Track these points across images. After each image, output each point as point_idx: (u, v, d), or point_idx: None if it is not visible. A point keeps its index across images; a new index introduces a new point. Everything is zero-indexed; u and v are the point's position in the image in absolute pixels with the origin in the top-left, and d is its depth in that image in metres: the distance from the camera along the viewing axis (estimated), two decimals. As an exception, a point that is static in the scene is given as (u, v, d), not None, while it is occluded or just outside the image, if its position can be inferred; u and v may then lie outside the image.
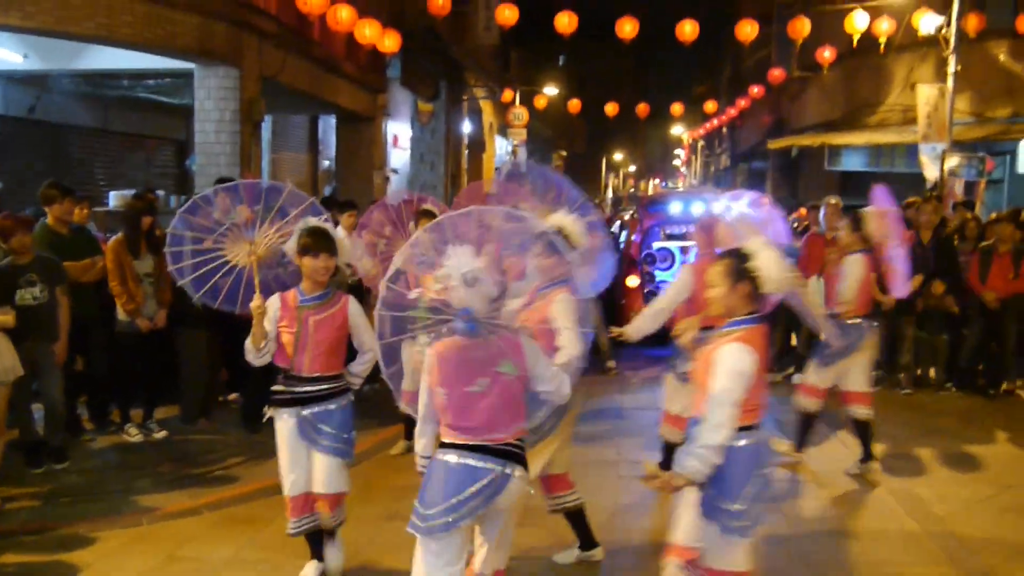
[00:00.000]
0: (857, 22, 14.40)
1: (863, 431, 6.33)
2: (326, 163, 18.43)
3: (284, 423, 4.26)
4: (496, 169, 28.77)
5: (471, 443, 3.34)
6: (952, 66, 13.85)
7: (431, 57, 19.21)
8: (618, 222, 14.99)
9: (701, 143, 43.67)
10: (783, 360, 9.44)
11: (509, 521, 3.55)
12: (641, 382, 9.40)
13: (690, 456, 3.33)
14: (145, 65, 10.99)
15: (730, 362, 3.37)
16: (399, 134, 19.02)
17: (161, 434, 6.91)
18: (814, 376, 6.43)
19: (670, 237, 11.24)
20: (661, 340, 11.13)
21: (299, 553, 4.49)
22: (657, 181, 50.31)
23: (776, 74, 20.57)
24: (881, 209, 6.19)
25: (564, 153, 42.83)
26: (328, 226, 4.28)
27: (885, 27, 14.91)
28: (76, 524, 5.18)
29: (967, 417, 7.96)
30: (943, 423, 7.72)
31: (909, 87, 17.66)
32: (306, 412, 4.23)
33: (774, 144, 21.68)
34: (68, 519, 5.27)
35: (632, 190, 51.85)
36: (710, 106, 28.13)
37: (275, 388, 4.29)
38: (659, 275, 11.12)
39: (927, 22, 14.38)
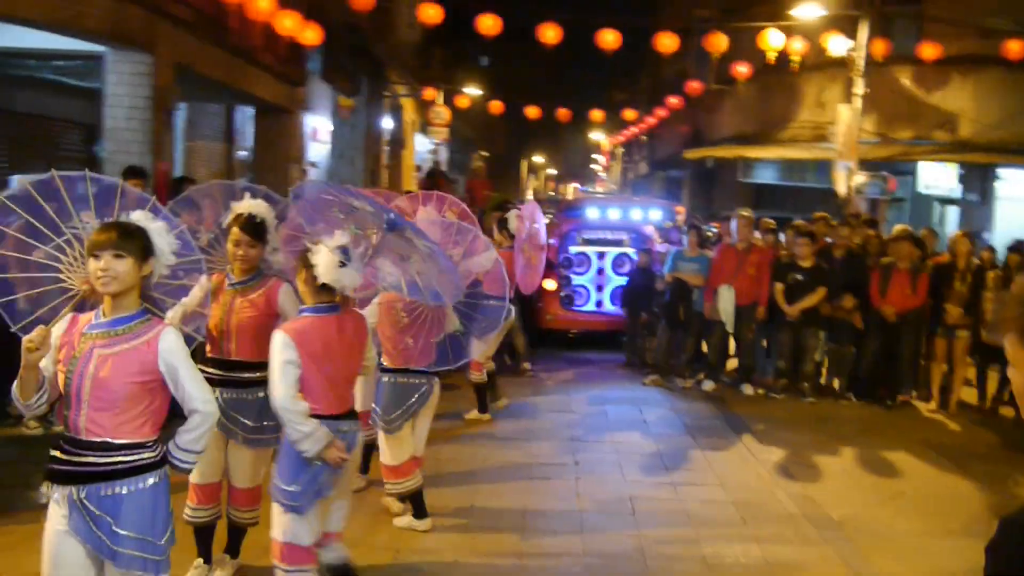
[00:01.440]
0: (771, 40, 14.84)
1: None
2: (242, 153, 18.05)
3: None
4: (416, 167, 28.66)
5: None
6: (859, 88, 14.42)
7: (352, 52, 19.02)
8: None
9: (620, 150, 44.30)
10: (694, 366, 9.67)
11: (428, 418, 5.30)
12: (556, 384, 9.50)
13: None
14: (53, 46, 10.59)
15: (273, 349, 3.62)
16: (319, 127, 18.78)
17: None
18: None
19: (587, 242, 11.39)
20: (579, 343, 11.37)
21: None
22: (576, 185, 50.80)
23: (694, 86, 21.02)
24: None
25: (485, 153, 42.90)
26: (145, 220, 3.08)
27: (798, 46, 15.42)
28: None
29: (866, 425, 8.30)
30: (843, 430, 8.03)
31: (819, 105, 18.32)
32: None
33: (690, 154, 22.19)
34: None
35: (552, 193, 52.26)
36: (629, 114, 28.56)
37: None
38: (575, 279, 11.26)
39: (837, 44, 14.98)
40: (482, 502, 5.73)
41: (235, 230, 4.12)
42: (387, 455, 5.14)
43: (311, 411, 3.62)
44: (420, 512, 5.20)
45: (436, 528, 5.23)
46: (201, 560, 4.35)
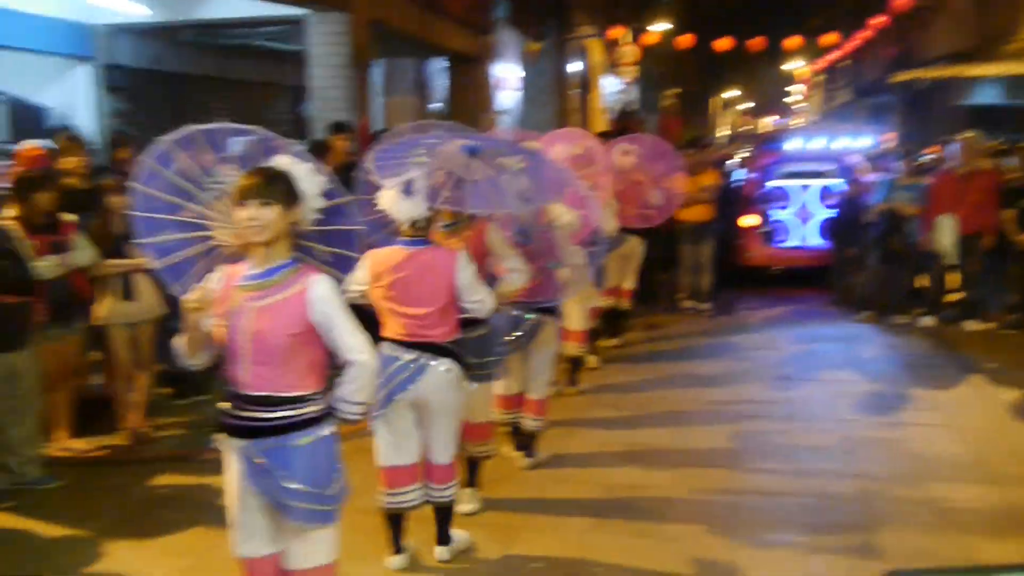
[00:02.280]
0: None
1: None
2: (436, 106, 18.52)
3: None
4: (606, 109, 28.36)
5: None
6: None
7: (539, -4, 18.98)
8: (735, 160, 14.61)
9: (820, 78, 41.90)
10: (910, 301, 9.09)
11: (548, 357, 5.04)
12: (760, 322, 9.24)
13: None
14: (261, 13, 11.23)
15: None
16: (507, 75, 18.93)
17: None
18: None
19: (788, 175, 10.90)
20: (782, 281, 10.98)
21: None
22: (774, 119, 48.59)
23: (901, 3, 19.45)
24: None
25: (675, 91, 41.79)
26: (290, 164, 2.91)
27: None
28: (217, 450, 5.46)
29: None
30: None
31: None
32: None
33: (899, 77, 20.63)
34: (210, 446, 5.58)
35: (747, 128, 50.32)
36: (829, 38, 26.85)
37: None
38: (777, 214, 10.82)
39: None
40: (692, 442, 5.68)
41: None
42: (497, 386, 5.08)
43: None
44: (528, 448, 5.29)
45: (648, 466, 5.26)
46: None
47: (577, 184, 5.21)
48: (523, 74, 20.02)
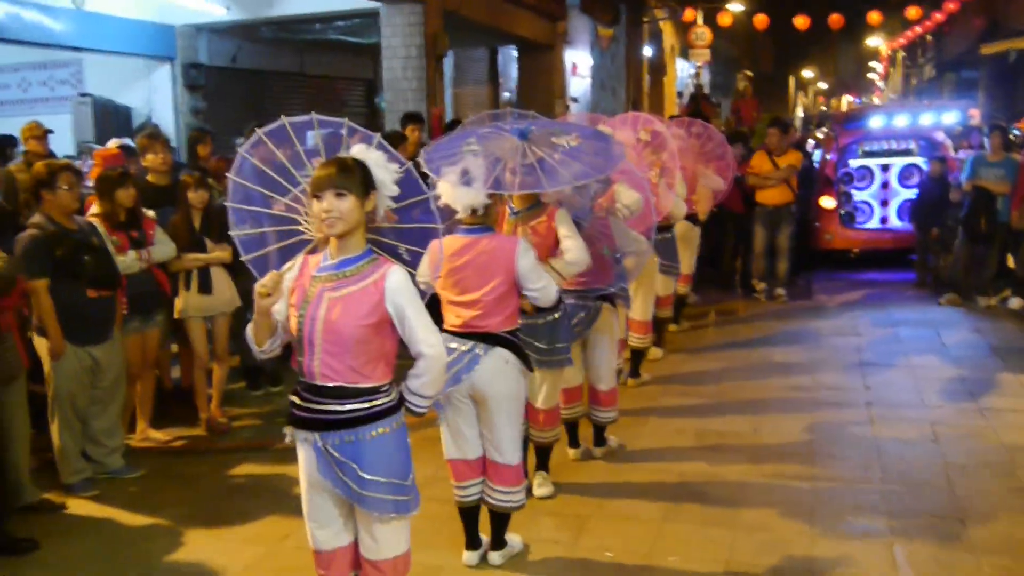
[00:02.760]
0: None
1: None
2: (507, 95, 18.51)
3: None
4: (678, 93, 27.97)
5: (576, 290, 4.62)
6: None
7: (610, -20, 18.78)
8: (812, 141, 14.25)
9: (901, 54, 40.49)
10: (998, 283, 8.73)
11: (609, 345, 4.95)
12: (839, 307, 8.98)
13: None
14: (336, 7, 11.39)
15: None
16: (578, 62, 18.78)
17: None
18: None
19: (869, 154, 10.56)
20: (862, 263, 10.67)
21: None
22: (851, 98, 47.23)
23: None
24: None
25: (749, 73, 40.96)
26: (365, 153, 2.88)
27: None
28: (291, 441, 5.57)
29: None
30: None
31: None
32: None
33: (988, 49, 19.81)
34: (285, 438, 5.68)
35: (823, 108, 49.01)
36: (912, 12, 25.90)
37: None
38: (856, 195, 10.51)
39: None
40: (768, 431, 5.55)
41: None
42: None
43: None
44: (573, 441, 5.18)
45: (723, 454, 5.17)
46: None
47: (638, 168, 5.12)
48: (594, 61, 19.85)
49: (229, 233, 3.13)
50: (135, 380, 5.45)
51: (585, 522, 4.37)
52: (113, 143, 7.44)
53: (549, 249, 4.21)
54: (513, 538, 4.10)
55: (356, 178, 2.77)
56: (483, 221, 3.78)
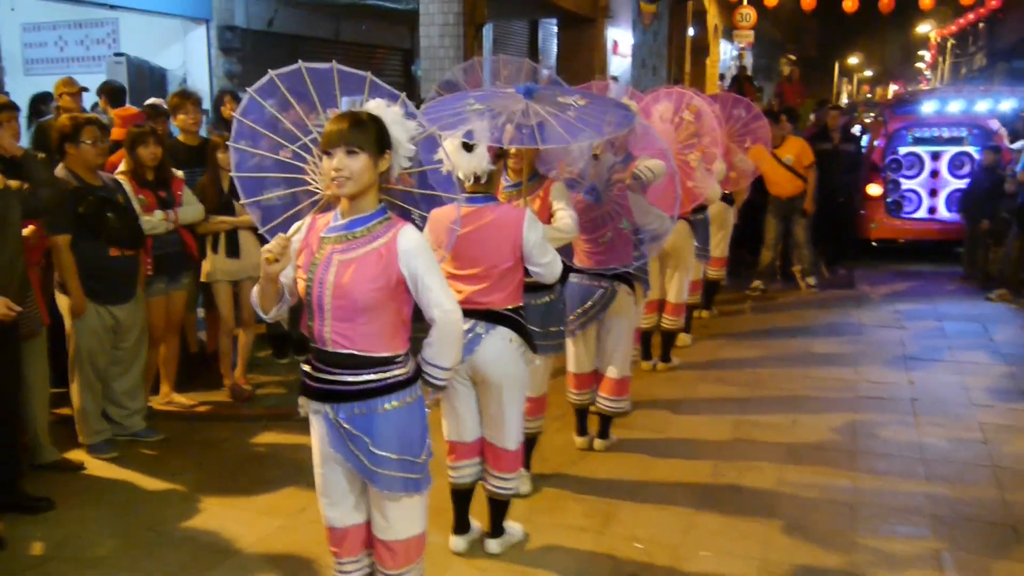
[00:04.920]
0: None
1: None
2: (545, 71, 18.25)
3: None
4: (720, 75, 27.50)
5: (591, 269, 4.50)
6: None
7: (654, -45, 18.38)
8: (858, 126, 13.86)
9: (951, 41, 39.57)
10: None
11: (625, 330, 4.65)
12: (882, 298, 8.70)
13: None
14: (373, -28, 11.17)
15: None
16: (619, 40, 18.45)
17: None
18: None
19: (919, 141, 10.21)
20: (908, 255, 10.35)
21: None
22: (896, 88, 46.29)
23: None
24: None
25: (793, 57, 40.25)
26: (381, 108, 2.67)
27: None
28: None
29: None
30: None
31: None
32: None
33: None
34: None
35: (868, 96, 48.11)
36: (965, -1, 25.18)
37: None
38: (904, 183, 10.17)
39: None
40: (807, 425, 5.33)
41: None
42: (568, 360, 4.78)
43: None
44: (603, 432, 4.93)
45: (759, 447, 4.97)
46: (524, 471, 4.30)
47: (672, 145, 4.86)
48: (636, 39, 19.50)
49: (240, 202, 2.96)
50: (159, 342, 5.35)
51: (614, 511, 4.19)
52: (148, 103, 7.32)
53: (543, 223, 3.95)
54: (513, 527, 3.91)
55: (370, 135, 2.57)
56: (487, 189, 3.52)
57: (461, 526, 3.80)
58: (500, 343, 3.51)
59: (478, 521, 3.88)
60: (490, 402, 3.60)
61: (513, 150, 3.85)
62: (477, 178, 3.47)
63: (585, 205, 4.33)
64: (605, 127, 3.72)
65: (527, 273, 3.61)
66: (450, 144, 3.32)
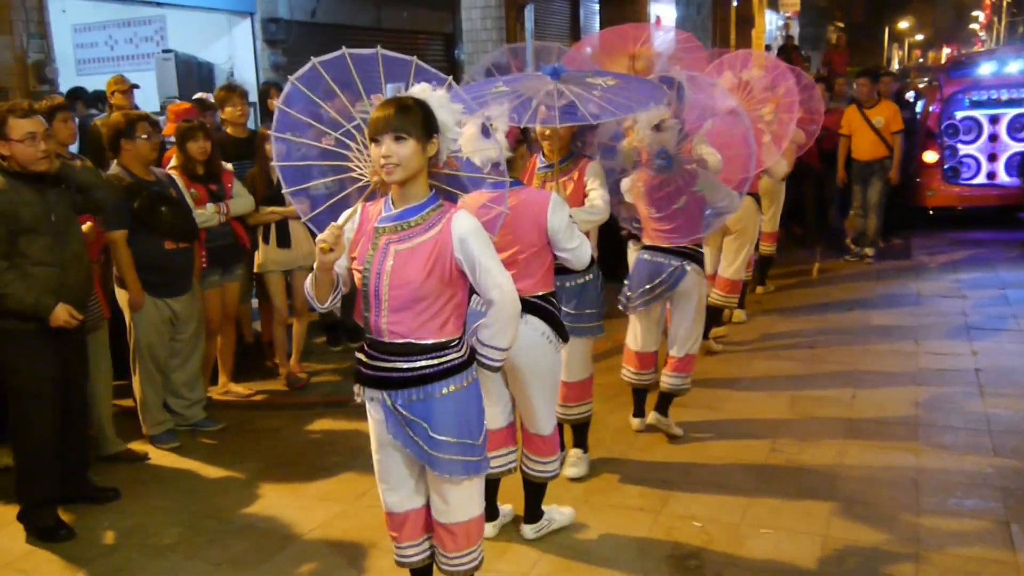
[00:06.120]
0: None
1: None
2: (588, 50, 18.12)
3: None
4: (766, 47, 26.99)
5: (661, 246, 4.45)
6: None
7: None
8: (913, 92, 13.50)
9: (1007, 1, 38.34)
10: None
11: (693, 309, 4.57)
12: (940, 267, 8.49)
13: None
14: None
15: None
16: (662, 14, 18.23)
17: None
18: None
19: (976, 104, 9.91)
20: (966, 221, 10.09)
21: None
22: (950, 51, 45.03)
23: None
24: None
25: (841, 24, 39.35)
26: (426, 92, 2.66)
27: None
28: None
29: None
30: None
31: None
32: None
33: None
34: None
35: (920, 61, 46.90)
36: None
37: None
38: (962, 148, 9.89)
39: None
40: (867, 399, 5.23)
41: None
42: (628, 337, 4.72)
43: None
44: (662, 408, 4.81)
45: (818, 424, 4.89)
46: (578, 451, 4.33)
47: (731, 100, 4.71)
48: (679, 12, 19.24)
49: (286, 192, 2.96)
50: (215, 334, 5.43)
51: (671, 492, 4.16)
52: (195, 98, 7.41)
53: (577, 204, 3.94)
54: (562, 511, 3.85)
55: (417, 119, 2.55)
56: (509, 175, 3.37)
57: (490, 512, 3.70)
58: (531, 334, 3.44)
59: (509, 505, 3.86)
60: (521, 391, 3.58)
61: (548, 131, 3.82)
62: (496, 165, 3.27)
63: (657, 181, 4.31)
64: (635, 104, 3.71)
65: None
66: (468, 131, 3.20)
